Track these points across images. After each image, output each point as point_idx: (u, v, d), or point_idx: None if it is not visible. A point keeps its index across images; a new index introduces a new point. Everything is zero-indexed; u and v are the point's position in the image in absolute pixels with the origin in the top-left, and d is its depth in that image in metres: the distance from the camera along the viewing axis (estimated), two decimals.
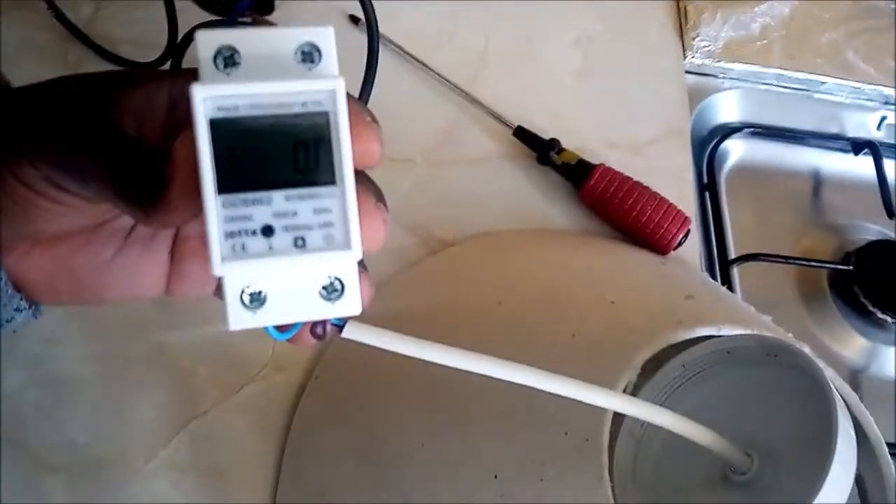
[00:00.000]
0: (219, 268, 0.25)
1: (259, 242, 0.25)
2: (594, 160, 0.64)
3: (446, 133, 0.66)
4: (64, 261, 0.32)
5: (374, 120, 0.27)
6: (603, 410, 0.36)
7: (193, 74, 0.25)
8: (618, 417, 0.39)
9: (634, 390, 0.39)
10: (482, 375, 0.30)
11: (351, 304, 0.27)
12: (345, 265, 0.27)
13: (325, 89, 0.25)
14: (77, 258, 0.32)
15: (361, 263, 0.31)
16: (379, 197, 0.28)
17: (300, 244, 0.25)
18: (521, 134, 0.65)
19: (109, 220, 0.32)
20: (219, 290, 0.34)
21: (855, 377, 0.70)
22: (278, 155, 0.25)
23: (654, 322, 0.40)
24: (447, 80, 0.66)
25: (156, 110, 0.27)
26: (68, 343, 0.53)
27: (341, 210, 0.25)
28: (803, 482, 0.33)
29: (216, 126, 0.24)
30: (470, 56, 0.69)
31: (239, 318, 0.26)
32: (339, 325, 0.29)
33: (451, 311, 0.50)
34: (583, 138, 0.67)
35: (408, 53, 0.66)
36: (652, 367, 0.41)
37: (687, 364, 0.39)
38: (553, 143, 0.64)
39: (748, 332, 0.39)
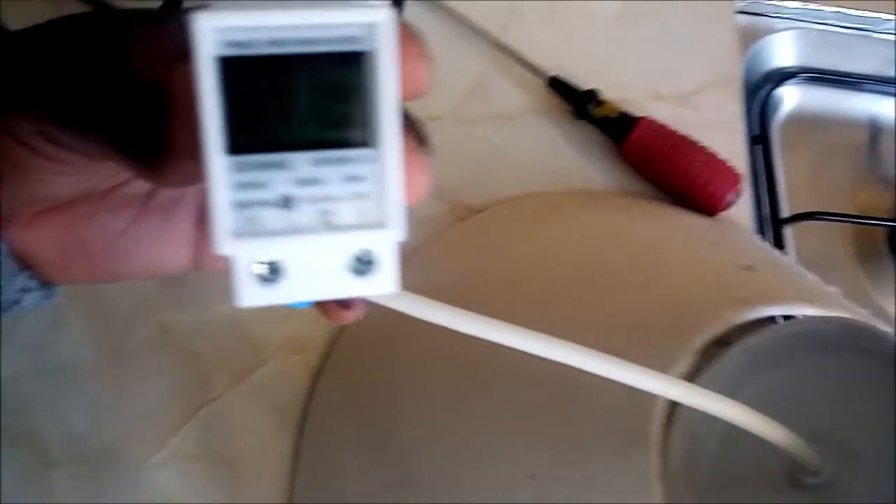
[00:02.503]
0: (224, 246, 0.20)
1: (276, 216, 0.20)
2: (636, 112, 0.58)
3: (475, 87, 0.60)
4: (72, 232, 0.28)
5: (417, 35, 0.22)
6: (652, 405, 0.32)
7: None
8: (668, 410, 0.34)
9: (689, 378, 0.34)
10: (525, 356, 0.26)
11: (384, 280, 0.22)
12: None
13: (366, 22, 0.20)
14: (87, 229, 0.28)
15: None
16: (421, 138, 0.23)
17: (326, 220, 0.20)
18: (557, 85, 0.59)
19: (121, 185, 0.28)
20: None
21: None
22: (303, 106, 0.20)
23: (711, 299, 0.35)
24: (475, 28, 0.61)
25: (169, 50, 0.23)
26: (70, 328, 0.49)
27: (379, 179, 0.20)
28: (886, 488, 0.28)
29: (225, 67, 0.19)
30: (499, 1, 0.63)
31: (248, 294, 0.22)
32: None
33: (478, 285, 0.45)
34: (624, 89, 0.61)
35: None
36: (704, 351, 0.35)
37: (751, 349, 0.34)
38: (591, 95, 0.58)
39: (823, 312, 0.33)
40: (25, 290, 0.29)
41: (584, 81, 0.59)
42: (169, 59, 0.23)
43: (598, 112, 0.58)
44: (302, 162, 0.20)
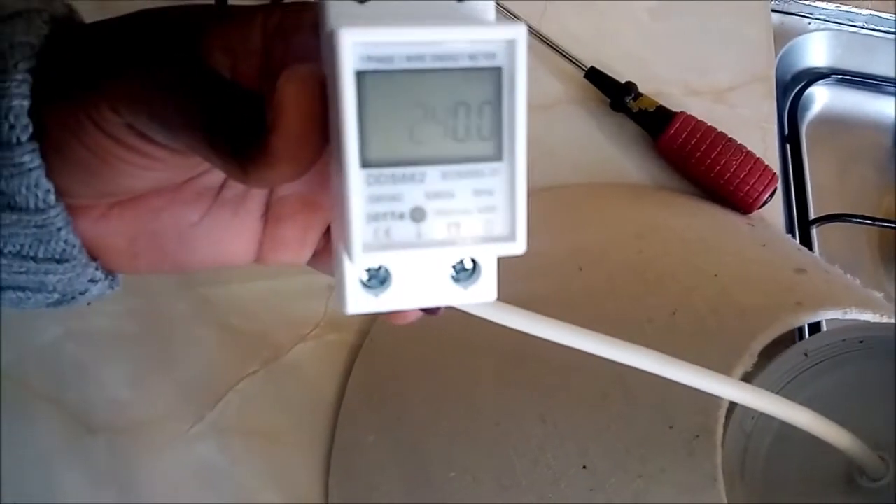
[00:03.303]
0: (360, 257, 0.20)
1: (406, 228, 0.21)
2: (671, 107, 0.58)
3: None
4: (146, 224, 0.28)
5: None
6: (717, 404, 0.32)
7: (292, 8, 0.21)
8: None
9: (746, 379, 0.35)
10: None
11: (486, 289, 0.23)
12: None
13: (502, 39, 0.20)
14: (160, 220, 0.28)
15: None
16: None
17: (454, 232, 0.21)
18: (595, 76, 0.60)
19: (195, 178, 0.28)
20: (315, 259, 0.30)
21: None
22: (437, 120, 0.20)
23: (769, 301, 0.36)
24: (512, 14, 0.60)
25: (251, 49, 0.23)
26: (111, 298, 0.49)
27: (507, 193, 0.21)
28: None
29: (364, 81, 0.19)
30: None
31: (357, 301, 0.22)
32: None
33: (522, 275, 0.46)
34: (659, 82, 0.61)
35: None
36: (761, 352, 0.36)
37: (810, 352, 0.35)
38: (630, 88, 0.59)
39: (877, 317, 0.34)
40: (93, 280, 0.29)
41: (618, 74, 0.59)
42: (255, 67, 0.23)
43: (636, 105, 0.58)
44: (434, 175, 0.20)
